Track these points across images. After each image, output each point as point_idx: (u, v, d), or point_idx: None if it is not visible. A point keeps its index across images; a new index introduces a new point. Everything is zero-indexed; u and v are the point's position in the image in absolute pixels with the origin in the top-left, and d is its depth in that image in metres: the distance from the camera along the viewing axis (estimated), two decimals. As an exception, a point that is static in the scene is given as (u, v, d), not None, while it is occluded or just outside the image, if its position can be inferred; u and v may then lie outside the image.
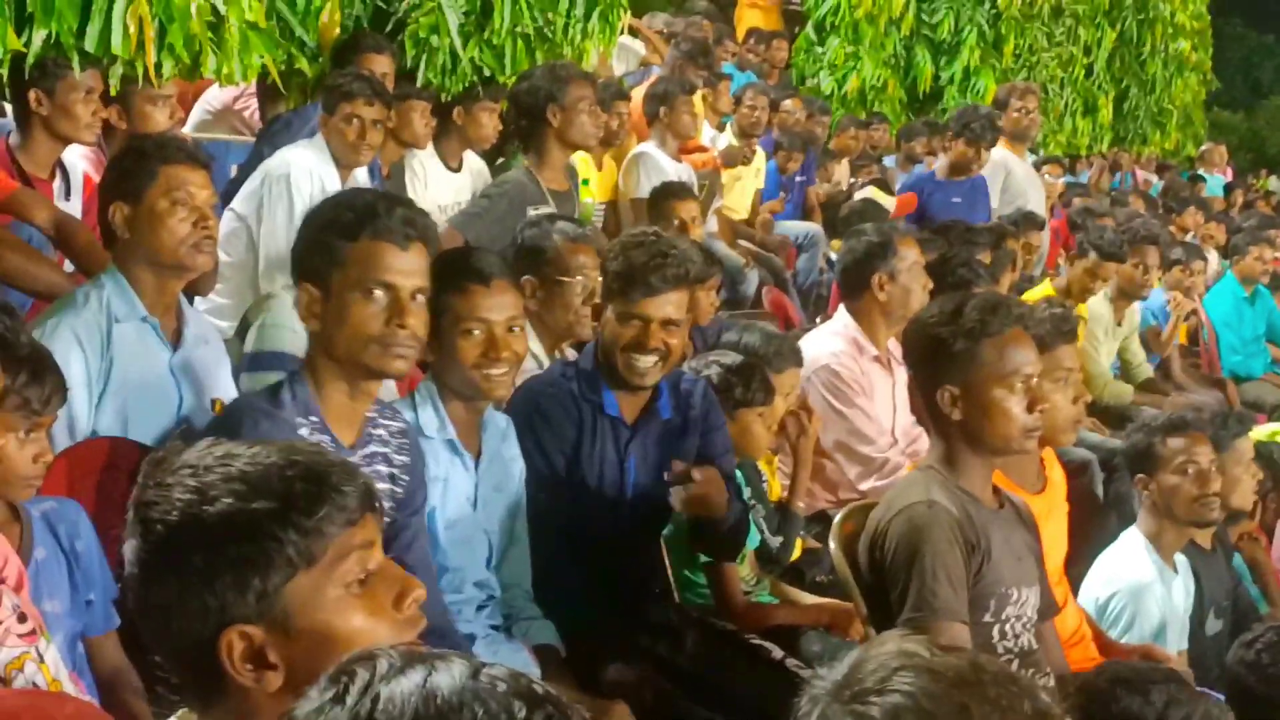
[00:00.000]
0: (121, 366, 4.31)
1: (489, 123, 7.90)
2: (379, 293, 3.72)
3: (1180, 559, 5.49)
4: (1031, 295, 8.87)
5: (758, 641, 4.92)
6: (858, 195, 11.40)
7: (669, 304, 4.71)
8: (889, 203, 10.81)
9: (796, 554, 5.87)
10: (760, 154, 11.21)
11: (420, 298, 3.79)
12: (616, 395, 4.78)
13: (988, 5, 16.11)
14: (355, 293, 3.72)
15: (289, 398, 3.78)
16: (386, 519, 3.94)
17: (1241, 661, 4.04)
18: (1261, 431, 8.57)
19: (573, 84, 7.06)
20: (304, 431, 3.70)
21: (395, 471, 4.00)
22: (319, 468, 2.20)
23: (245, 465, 2.17)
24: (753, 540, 5.46)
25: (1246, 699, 3.99)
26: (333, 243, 3.74)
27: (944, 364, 4.16)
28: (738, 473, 5.36)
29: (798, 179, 12.08)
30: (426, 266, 3.82)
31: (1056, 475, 4.99)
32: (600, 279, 5.07)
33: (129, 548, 2.18)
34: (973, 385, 4.13)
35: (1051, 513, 4.86)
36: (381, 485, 3.93)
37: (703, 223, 8.68)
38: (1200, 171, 21.27)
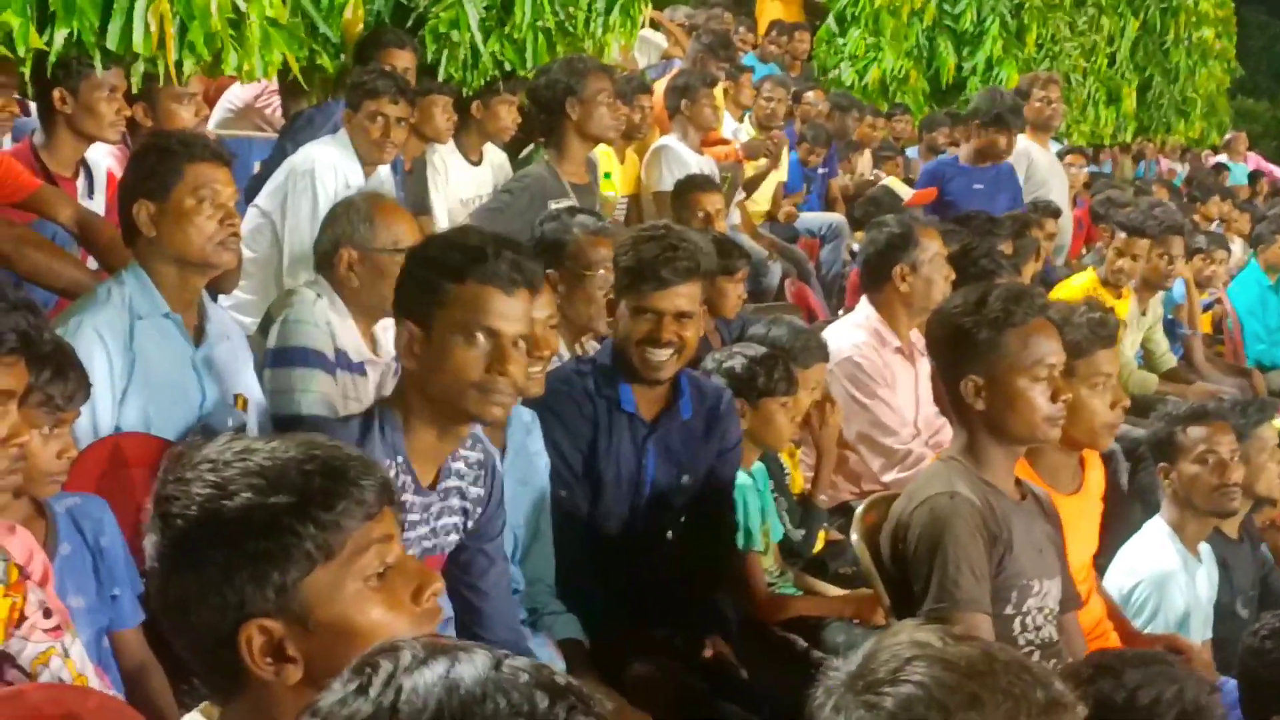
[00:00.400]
0: (144, 363, 4.32)
1: (507, 116, 7.91)
2: (481, 337, 3.64)
3: (1204, 548, 5.48)
4: (1070, 285, 8.87)
5: (782, 634, 4.94)
6: (868, 185, 11.41)
7: (681, 297, 4.71)
8: (906, 192, 10.79)
9: (820, 546, 5.88)
10: (784, 145, 11.19)
11: (522, 344, 3.72)
12: (634, 391, 4.79)
13: (1010, -2, 16.09)
14: (458, 336, 3.65)
15: (379, 434, 3.72)
16: (458, 549, 3.95)
17: (1249, 649, 4.05)
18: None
19: (591, 77, 7.07)
20: (389, 471, 3.62)
21: (469, 505, 3.98)
22: (337, 462, 2.21)
23: (264, 460, 2.18)
24: (776, 533, 5.47)
25: (1255, 685, 4.01)
26: (438, 283, 3.67)
27: (968, 354, 4.16)
28: (760, 465, 5.39)
29: (820, 171, 12.07)
30: (531, 312, 3.78)
31: (1095, 478, 4.96)
32: (617, 273, 5.10)
33: (149, 543, 2.20)
34: (997, 375, 4.13)
35: (1084, 514, 4.85)
36: (454, 519, 3.94)
37: (727, 215, 8.69)
38: (1225, 159, 21.20)
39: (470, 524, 4.00)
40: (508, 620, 4.14)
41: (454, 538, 3.97)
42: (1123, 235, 8.87)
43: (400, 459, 3.72)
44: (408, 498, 3.74)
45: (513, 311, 3.68)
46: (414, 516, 3.77)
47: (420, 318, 3.70)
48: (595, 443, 4.75)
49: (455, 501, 3.93)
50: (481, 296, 3.64)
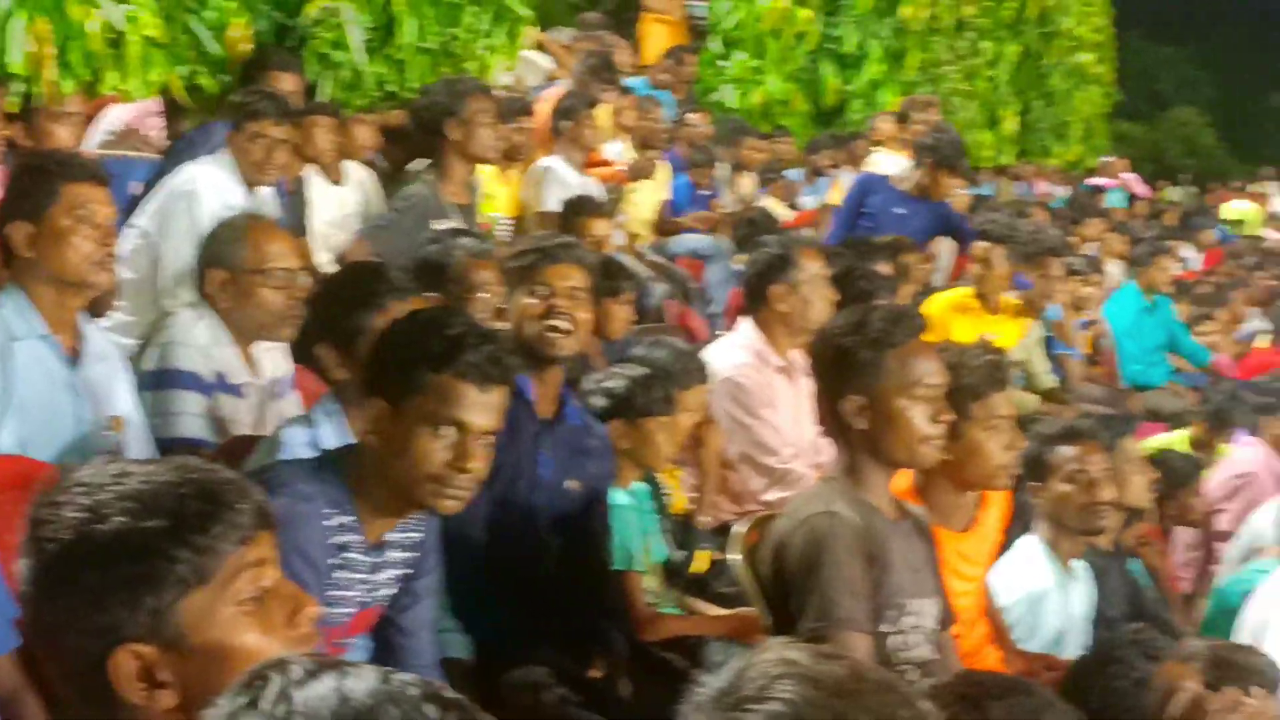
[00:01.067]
0: (20, 385, 4.29)
1: (323, 139, 7.82)
2: (449, 430, 3.58)
3: (1080, 564, 5.53)
4: (940, 299, 8.95)
5: (662, 654, 4.96)
6: (748, 207, 11.49)
7: (573, 275, 4.84)
8: (787, 214, 10.86)
9: (703, 566, 5.90)
10: (666, 167, 11.24)
11: (489, 439, 3.67)
12: (531, 381, 4.82)
13: (891, 19, 16.21)
14: (425, 425, 3.57)
15: (324, 486, 3.63)
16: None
17: (1079, 672, 4.14)
18: (1161, 440, 8.70)
19: (471, 98, 7.09)
20: (333, 521, 3.61)
21: (407, 555, 3.90)
22: (212, 485, 2.20)
23: (139, 484, 2.16)
24: (658, 553, 5.49)
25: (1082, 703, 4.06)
26: (414, 368, 3.60)
27: (849, 374, 4.20)
28: (641, 485, 5.40)
29: (703, 193, 12.12)
30: (503, 407, 3.71)
31: (992, 517, 5.00)
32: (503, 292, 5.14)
33: (22, 566, 2.18)
34: (877, 395, 4.16)
35: (975, 552, 4.88)
36: (395, 572, 3.87)
37: (613, 237, 8.73)
38: (1101, 182, 21.51)
39: (409, 571, 3.93)
40: (424, 659, 4.06)
41: (392, 590, 3.90)
42: (981, 244, 8.96)
43: (350, 518, 3.65)
44: (354, 556, 3.68)
45: (485, 406, 3.63)
46: (357, 575, 3.72)
47: (390, 398, 3.62)
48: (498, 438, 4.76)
49: (397, 554, 3.86)
50: (456, 390, 3.58)
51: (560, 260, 4.82)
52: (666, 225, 11.15)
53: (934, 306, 8.57)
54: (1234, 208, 25.76)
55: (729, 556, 4.61)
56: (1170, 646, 4.07)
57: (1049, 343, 10.19)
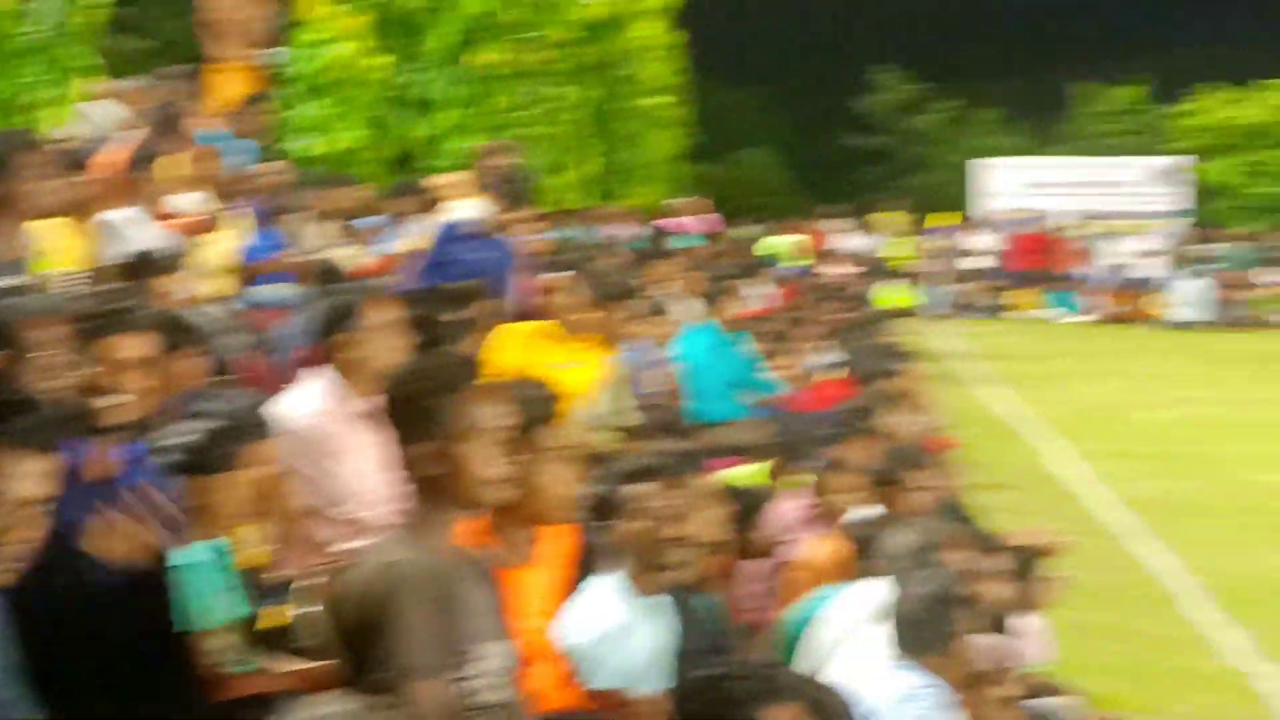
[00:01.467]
0: None
1: None
2: None
3: (657, 600, 5.61)
4: (515, 330, 9.05)
5: (237, 713, 4.89)
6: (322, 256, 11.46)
7: (129, 344, 4.82)
8: (361, 262, 10.87)
9: (281, 620, 5.82)
10: (243, 217, 11.11)
11: (33, 507, 3.53)
12: (85, 446, 4.71)
13: (469, 66, 16.33)
14: None
15: None
16: None
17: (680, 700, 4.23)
18: (737, 473, 8.91)
19: (22, 151, 6.91)
20: None
21: None
22: None
23: None
24: (232, 610, 5.40)
25: None
26: None
27: (415, 420, 4.25)
28: (215, 541, 5.32)
29: (280, 242, 12.01)
30: (51, 474, 3.57)
31: (552, 550, 5.04)
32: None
33: None
34: (442, 441, 4.21)
35: (540, 586, 4.93)
36: None
37: (182, 290, 8.57)
38: (675, 223, 21.97)
39: None
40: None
41: None
42: (561, 275, 9.15)
43: None
44: None
45: (27, 475, 3.51)
46: None
47: None
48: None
49: None
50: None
51: (114, 331, 4.71)
52: (245, 274, 11.01)
53: (513, 337, 8.68)
54: (769, 241, 26.66)
55: (306, 609, 4.58)
56: (772, 680, 4.18)
57: (628, 381, 10.36)
